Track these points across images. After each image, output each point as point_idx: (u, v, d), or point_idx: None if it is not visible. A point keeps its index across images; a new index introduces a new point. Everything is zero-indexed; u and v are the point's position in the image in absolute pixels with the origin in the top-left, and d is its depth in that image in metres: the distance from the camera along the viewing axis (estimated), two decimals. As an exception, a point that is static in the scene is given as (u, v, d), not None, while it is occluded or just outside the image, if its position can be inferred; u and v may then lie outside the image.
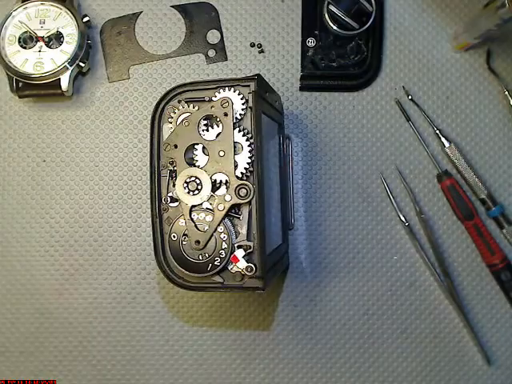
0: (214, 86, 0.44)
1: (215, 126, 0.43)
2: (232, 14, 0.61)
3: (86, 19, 0.59)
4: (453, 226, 0.60)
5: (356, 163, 0.61)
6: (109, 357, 0.60)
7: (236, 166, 0.42)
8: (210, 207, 0.43)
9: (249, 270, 0.42)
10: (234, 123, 0.43)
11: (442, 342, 0.60)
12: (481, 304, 0.60)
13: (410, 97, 0.60)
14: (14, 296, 0.60)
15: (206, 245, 0.43)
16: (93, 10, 0.61)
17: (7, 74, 0.58)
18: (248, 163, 0.43)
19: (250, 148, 0.43)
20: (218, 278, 0.44)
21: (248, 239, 0.43)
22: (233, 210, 0.43)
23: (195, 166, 0.43)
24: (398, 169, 0.60)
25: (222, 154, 0.43)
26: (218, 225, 0.43)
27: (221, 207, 0.43)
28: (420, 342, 0.60)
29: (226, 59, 0.61)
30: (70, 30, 0.57)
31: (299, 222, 0.60)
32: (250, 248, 0.43)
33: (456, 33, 0.60)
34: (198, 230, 0.43)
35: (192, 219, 0.43)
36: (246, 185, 0.42)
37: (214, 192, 0.43)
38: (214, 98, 0.44)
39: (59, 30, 0.58)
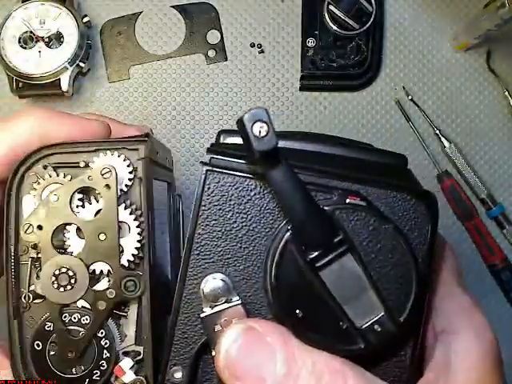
0: (93, 149, 0.34)
1: (94, 202, 0.33)
2: (232, 14, 0.61)
3: (86, 19, 0.59)
4: (453, 226, 0.60)
5: (356, 163, 0.61)
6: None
7: (121, 252, 0.33)
8: (88, 306, 0.33)
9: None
10: (118, 198, 0.33)
11: (442, 342, 0.60)
12: (481, 304, 0.60)
13: (410, 97, 0.60)
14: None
15: (81, 355, 0.33)
16: (93, 10, 0.61)
17: (7, 74, 0.58)
18: (137, 248, 0.33)
19: (139, 229, 0.33)
20: None
21: (137, 343, 0.34)
22: (118, 308, 0.34)
23: (67, 253, 0.33)
24: (398, 169, 0.60)
25: (102, 237, 0.33)
26: (98, 329, 0.33)
27: (102, 306, 0.33)
28: (420, 342, 0.60)
29: (226, 59, 0.61)
30: (70, 30, 0.57)
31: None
32: (139, 355, 0.34)
33: (456, 33, 0.60)
34: (71, 336, 0.33)
35: (63, 322, 0.33)
36: (134, 276, 0.33)
37: (92, 286, 0.33)
38: (91, 164, 0.34)
39: (59, 30, 0.58)
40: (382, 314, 0.30)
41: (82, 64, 0.58)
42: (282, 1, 0.61)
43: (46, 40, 0.58)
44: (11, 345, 0.34)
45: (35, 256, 0.34)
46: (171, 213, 0.47)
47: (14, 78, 0.57)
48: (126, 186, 0.34)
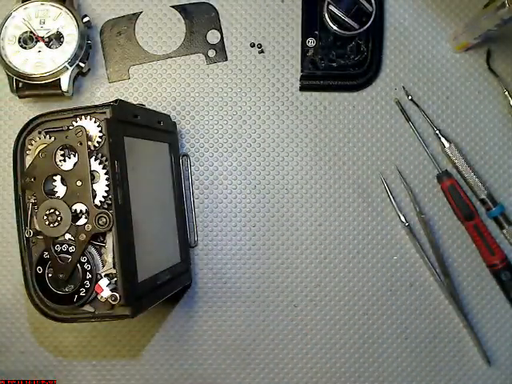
0: (71, 115, 0.44)
1: (72, 156, 0.43)
2: (232, 14, 0.61)
3: (86, 19, 0.59)
4: (453, 226, 0.60)
5: (356, 163, 0.61)
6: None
7: (94, 196, 0.42)
8: (72, 238, 0.43)
9: (113, 298, 0.42)
10: (91, 151, 0.42)
11: (442, 342, 0.60)
12: (481, 304, 0.60)
13: (409, 97, 0.60)
14: (15, 296, 0.60)
15: (70, 276, 0.43)
16: (93, 10, 0.61)
17: (7, 74, 0.58)
18: (106, 191, 0.42)
19: (107, 176, 0.42)
20: (89, 308, 0.43)
21: (114, 267, 0.43)
22: (98, 239, 0.43)
23: (55, 198, 0.43)
24: (397, 169, 0.60)
25: (79, 183, 0.42)
26: (81, 255, 0.42)
27: (82, 237, 0.42)
28: (420, 342, 0.60)
29: (226, 59, 0.61)
30: (70, 29, 0.57)
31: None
32: (115, 276, 0.43)
33: (456, 33, 0.60)
34: (61, 261, 0.43)
35: (56, 251, 0.43)
36: (105, 213, 0.42)
37: (74, 222, 0.42)
38: (71, 127, 0.43)
39: (59, 30, 0.58)
40: None
41: (81, 64, 0.58)
42: (282, 1, 0.61)
43: (46, 40, 0.58)
44: (24, 272, 0.44)
45: (34, 201, 0.43)
46: (173, 170, 0.56)
47: (14, 78, 0.57)
48: (98, 142, 0.43)
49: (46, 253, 0.43)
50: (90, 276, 0.42)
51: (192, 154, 0.60)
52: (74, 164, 0.42)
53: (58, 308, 0.43)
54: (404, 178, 0.60)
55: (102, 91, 0.61)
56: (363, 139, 0.60)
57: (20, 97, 0.59)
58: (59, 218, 0.42)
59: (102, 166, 0.42)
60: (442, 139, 0.59)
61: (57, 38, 0.58)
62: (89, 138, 0.42)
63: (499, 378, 0.60)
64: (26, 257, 0.44)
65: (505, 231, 0.59)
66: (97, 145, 0.43)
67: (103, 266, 0.43)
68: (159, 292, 0.49)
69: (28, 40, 0.58)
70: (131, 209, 0.44)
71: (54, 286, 0.43)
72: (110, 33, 0.61)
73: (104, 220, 0.42)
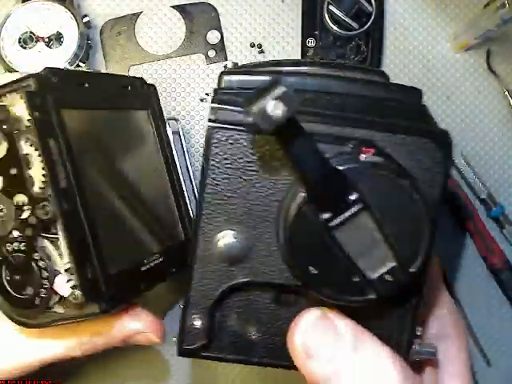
0: None
1: (2, 141, 0.37)
2: (232, 14, 0.61)
3: (86, 19, 0.59)
4: (453, 226, 0.60)
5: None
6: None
7: (32, 183, 0.36)
8: (20, 234, 0.37)
9: (73, 297, 0.36)
10: (20, 133, 0.36)
11: (442, 342, 0.60)
12: (481, 304, 0.60)
13: (409, 97, 0.60)
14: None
15: (27, 277, 0.37)
16: (93, 10, 0.61)
17: (7, 74, 0.58)
18: (44, 175, 0.36)
19: (40, 158, 0.36)
20: (58, 309, 0.38)
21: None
22: (50, 231, 0.37)
23: None
24: (398, 169, 0.60)
25: (13, 171, 0.36)
26: (33, 252, 0.37)
27: (29, 232, 0.36)
28: (420, 342, 0.60)
29: (226, 59, 0.61)
30: (70, 30, 0.57)
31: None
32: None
33: (456, 33, 0.60)
34: (14, 261, 0.37)
35: (8, 250, 0.37)
36: (47, 201, 0.36)
37: (19, 216, 0.37)
38: None
39: (59, 30, 0.58)
40: (394, 264, 0.30)
41: (81, 64, 0.58)
42: (282, 1, 0.61)
43: (46, 40, 0.58)
44: None
45: None
46: (158, 140, 0.50)
47: (14, 78, 0.57)
48: (29, 121, 0.36)
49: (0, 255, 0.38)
50: (47, 274, 0.37)
51: (192, 153, 0.60)
52: (7, 150, 0.37)
53: (24, 313, 0.38)
54: (404, 178, 0.60)
55: (101, 91, 0.61)
56: (363, 139, 0.60)
57: (20, 97, 0.59)
58: (1, 214, 0.37)
59: (33, 147, 0.36)
60: (442, 139, 0.59)
61: (57, 38, 0.58)
62: (17, 119, 0.36)
63: (499, 378, 0.60)
64: None
65: (505, 231, 0.59)
66: (28, 124, 0.36)
67: (62, 260, 0.37)
68: (147, 279, 0.43)
69: (28, 40, 0.57)
70: (86, 191, 0.38)
71: (15, 291, 0.38)
72: (110, 33, 0.61)
73: (48, 209, 0.36)
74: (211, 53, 0.61)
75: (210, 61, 0.61)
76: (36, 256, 0.37)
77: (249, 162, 0.31)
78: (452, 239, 0.60)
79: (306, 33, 0.59)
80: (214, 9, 0.61)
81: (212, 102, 0.31)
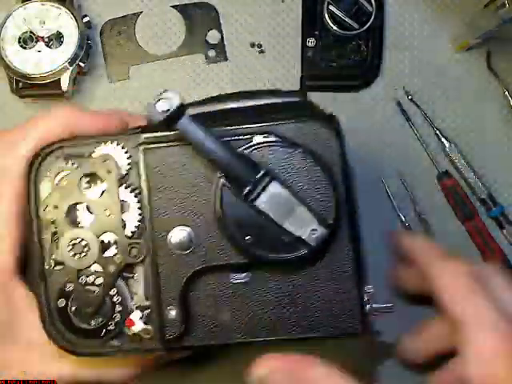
0: (94, 141, 0.41)
1: (99, 183, 0.40)
2: (232, 14, 0.61)
3: (86, 19, 0.59)
4: (453, 226, 0.60)
5: (356, 164, 0.60)
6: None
7: (124, 225, 0.40)
8: (100, 269, 0.40)
9: (145, 332, 0.40)
10: (119, 179, 0.40)
11: (442, 342, 0.60)
12: (481, 304, 0.60)
13: (410, 97, 0.60)
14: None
15: (97, 310, 0.40)
16: (93, 10, 0.61)
17: (7, 74, 0.58)
18: (139, 221, 0.40)
19: (139, 204, 0.40)
20: (114, 342, 0.40)
21: (147, 299, 0.40)
22: (126, 270, 0.40)
23: (79, 227, 0.40)
24: (398, 169, 0.60)
25: (107, 212, 0.40)
26: (110, 288, 0.40)
27: (111, 269, 0.40)
28: (420, 342, 0.60)
29: (226, 59, 0.61)
30: (70, 30, 0.57)
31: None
32: (147, 308, 0.40)
33: (456, 33, 0.60)
34: (88, 294, 0.40)
35: (80, 283, 0.40)
36: (136, 243, 0.39)
37: (103, 253, 0.40)
38: (93, 154, 0.40)
39: (59, 30, 0.58)
40: (314, 219, 0.37)
41: (81, 64, 0.58)
42: (282, 1, 0.61)
43: (46, 40, 0.58)
44: (40, 303, 0.40)
45: (54, 230, 0.40)
46: None
47: (14, 78, 0.57)
48: (126, 170, 0.40)
49: (70, 285, 0.40)
50: (120, 309, 0.40)
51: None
52: (102, 192, 0.40)
53: (83, 343, 0.40)
54: (404, 178, 0.60)
55: (101, 91, 0.61)
56: (363, 139, 0.60)
57: (20, 97, 0.59)
58: (86, 249, 0.40)
59: (133, 194, 0.40)
60: (442, 139, 0.59)
61: (57, 38, 0.58)
62: (116, 166, 0.40)
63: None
64: (42, 289, 0.40)
65: (505, 231, 0.59)
66: (124, 172, 0.40)
67: (132, 299, 0.40)
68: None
69: (28, 40, 0.58)
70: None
71: (79, 320, 0.40)
72: (110, 33, 0.61)
73: (136, 251, 0.40)
74: (211, 53, 0.61)
75: (209, 61, 0.61)
76: (112, 291, 0.40)
77: (181, 168, 0.39)
78: (452, 239, 0.60)
79: (305, 33, 0.60)
80: (214, 9, 0.61)
81: (141, 132, 0.41)
